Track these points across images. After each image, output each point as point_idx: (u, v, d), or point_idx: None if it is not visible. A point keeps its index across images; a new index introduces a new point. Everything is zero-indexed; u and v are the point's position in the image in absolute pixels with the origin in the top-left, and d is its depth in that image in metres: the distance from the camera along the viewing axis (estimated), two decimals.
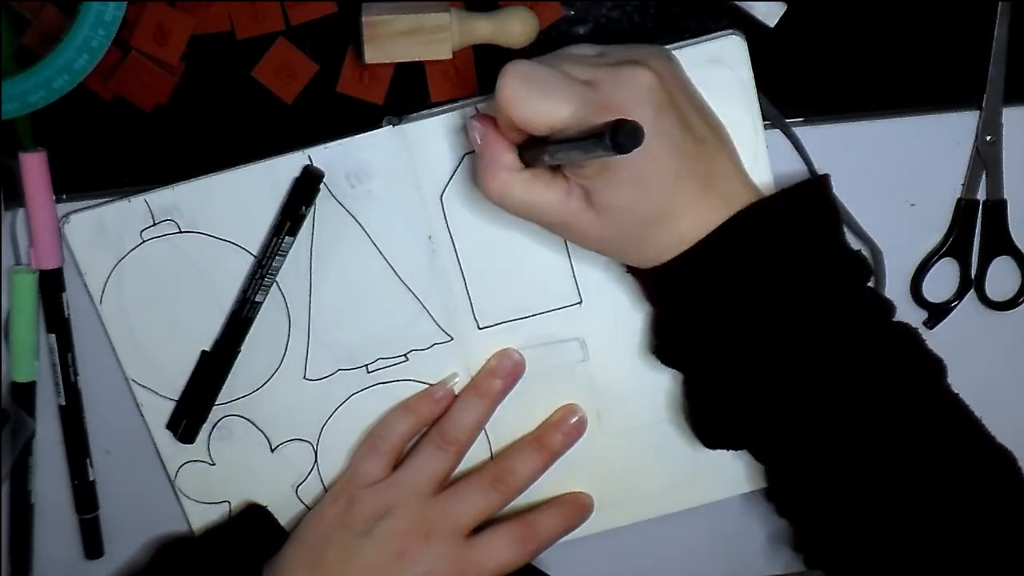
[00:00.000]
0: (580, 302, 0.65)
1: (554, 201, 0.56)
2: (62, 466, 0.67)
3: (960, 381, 0.70)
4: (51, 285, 0.64)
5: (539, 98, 0.53)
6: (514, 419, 0.67)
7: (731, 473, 0.68)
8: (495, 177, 0.56)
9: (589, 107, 0.52)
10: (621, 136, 0.46)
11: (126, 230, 0.62)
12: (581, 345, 0.66)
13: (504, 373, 0.65)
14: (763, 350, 0.57)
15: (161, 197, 0.62)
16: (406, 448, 0.67)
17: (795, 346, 0.56)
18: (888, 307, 0.59)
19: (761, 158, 0.63)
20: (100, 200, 0.63)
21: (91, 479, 0.67)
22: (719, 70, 0.61)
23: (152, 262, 0.63)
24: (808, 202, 0.58)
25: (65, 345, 0.65)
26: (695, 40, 0.62)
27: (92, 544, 0.69)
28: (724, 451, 0.62)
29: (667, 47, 0.59)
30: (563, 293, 0.65)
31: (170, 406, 0.65)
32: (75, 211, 0.62)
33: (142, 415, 0.65)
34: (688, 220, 0.56)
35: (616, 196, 0.54)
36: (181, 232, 0.62)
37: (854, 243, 0.66)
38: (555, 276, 0.64)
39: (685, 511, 0.69)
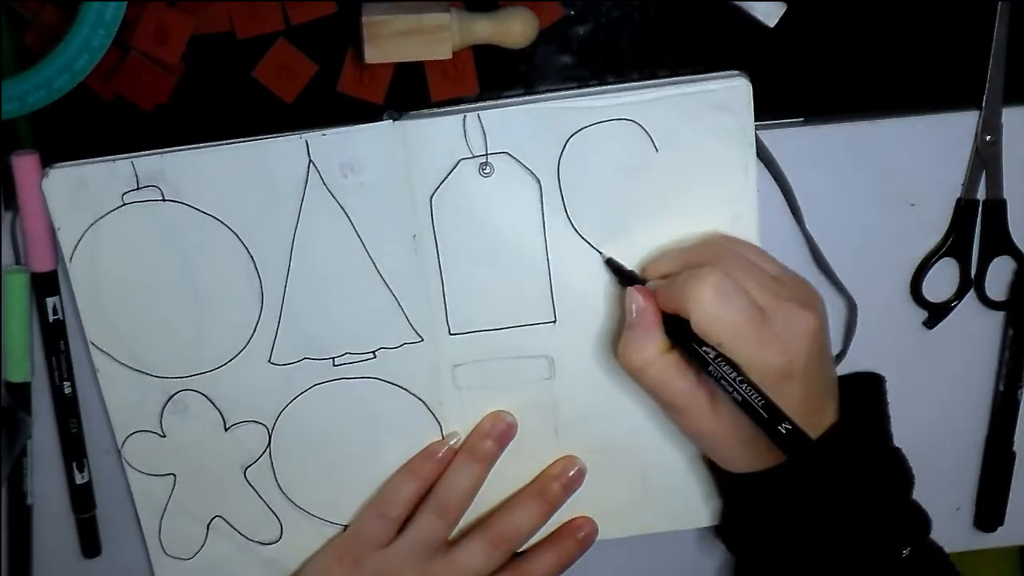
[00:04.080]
0: (554, 321, 0.65)
1: (681, 390, 0.59)
2: (60, 466, 0.67)
3: (959, 381, 0.71)
4: (44, 288, 0.64)
5: (726, 312, 0.56)
6: (472, 427, 0.67)
7: (680, 507, 0.69)
8: (640, 353, 0.59)
9: (760, 337, 0.56)
10: (793, 447, 0.54)
11: (107, 191, 0.61)
12: (549, 363, 0.66)
13: (497, 435, 0.66)
14: (819, 554, 0.60)
15: (148, 162, 0.61)
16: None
17: (846, 554, 0.59)
18: (926, 521, 0.62)
19: (748, 202, 0.63)
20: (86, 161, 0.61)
21: (87, 479, 0.67)
22: (720, 112, 0.61)
23: (130, 227, 0.62)
24: (867, 430, 0.63)
25: (58, 346, 0.65)
26: (701, 77, 0.62)
27: (89, 543, 0.69)
28: (672, 484, 0.68)
29: (673, 82, 0.62)
30: (538, 310, 0.65)
31: (127, 373, 0.64)
32: (57, 166, 0.61)
33: (96, 379, 0.65)
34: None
35: (739, 413, 0.57)
36: (164, 200, 0.61)
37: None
38: (533, 292, 0.64)
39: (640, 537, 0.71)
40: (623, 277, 0.63)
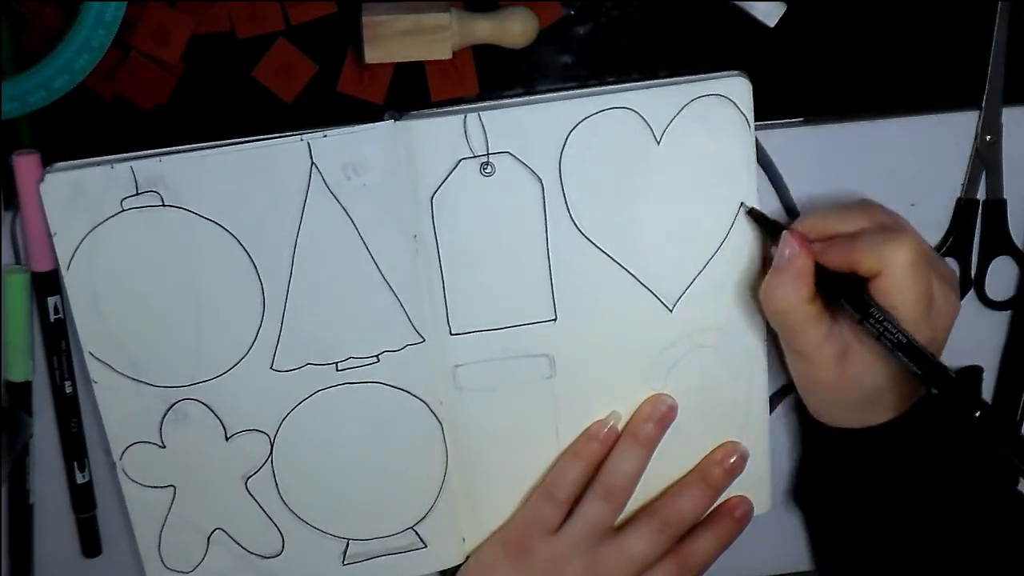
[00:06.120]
0: (555, 319, 0.65)
1: (814, 340, 0.60)
2: (61, 465, 0.67)
3: None
4: (44, 287, 0.64)
5: (916, 282, 0.58)
6: (474, 427, 0.67)
7: None
8: (786, 298, 0.60)
9: (926, 313, 0.58)
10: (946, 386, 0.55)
11: (106, 197, 0.60)
12: (550, 362, 0.66)
13: (658, 418, 0.67)
14: (912, 518, 0.62)
15: (148, 166, 0.60)
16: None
17: (941, 523, 0.62)
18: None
19: (750, 196, 0.63)
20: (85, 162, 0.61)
21: (88, 478, 0.67)
22: (721, 108, 0.61)
23: (129, 233, 0.61)
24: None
25: (59, 345, 0.65)
26: (700, 77, 0.62)
27: (89, 543, 0.69)
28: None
29: (673, 81, 0.62)
30: (539, 309, 0.65)
31: (125, 383, 0.63)
32: (54, 170, 0.60)
33: (94, 390, 0.64)
34: (889, 410, 0.61)
35: (867, 373, 0.60)
36: (164, 206, 0.61)
37: None
38: (534, 291, 0.64)
39: None
40: (767, 226, 0.63)
